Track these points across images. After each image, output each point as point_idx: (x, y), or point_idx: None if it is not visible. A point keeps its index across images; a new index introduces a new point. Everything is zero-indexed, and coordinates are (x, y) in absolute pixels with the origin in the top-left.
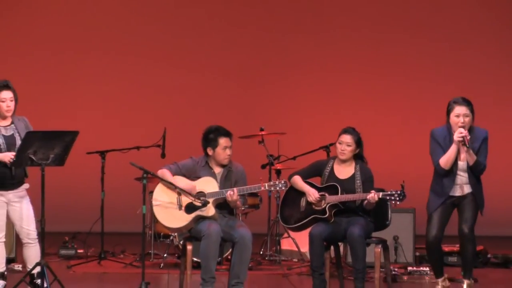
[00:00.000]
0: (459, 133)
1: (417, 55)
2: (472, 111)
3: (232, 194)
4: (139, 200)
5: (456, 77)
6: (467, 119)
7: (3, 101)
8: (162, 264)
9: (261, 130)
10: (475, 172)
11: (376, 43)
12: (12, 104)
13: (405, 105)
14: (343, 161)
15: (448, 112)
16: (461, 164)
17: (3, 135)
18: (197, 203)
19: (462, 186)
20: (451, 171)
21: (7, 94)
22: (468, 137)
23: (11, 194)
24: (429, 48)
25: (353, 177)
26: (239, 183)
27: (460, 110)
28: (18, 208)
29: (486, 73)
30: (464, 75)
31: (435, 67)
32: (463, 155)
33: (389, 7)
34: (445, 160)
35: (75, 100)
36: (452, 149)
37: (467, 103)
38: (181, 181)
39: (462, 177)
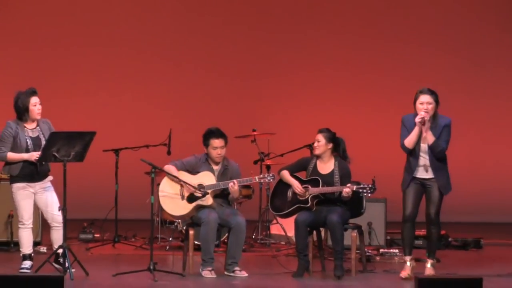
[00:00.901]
0: (419, 116)
1: (396, 58)
2: (435, 100)
3: (233, 185)
4: (148, 191)
5: (429, 77)
6: (430, 106)
7: (34, 105)
8: (167, 247)
9: (254, 130)
10: (434, 153)
11: (360, 47)
12: (40, 108)
13: (382, 105)
14: (323, 158)
15: (415, 101)
16: (423, 146)
17: (30, 137)
18: (198, 194)
19: (426, 167)
20: (415, 152)
21: (36, 99)
22: (426, 118)
23: (37, 186)
24: (407, 51)
25: (332, 172)
26: (234, 178)
27: (423, 98)
28: (44, 196)
29: (456, 72)
30: (436, 74)
31: (412, 69)
32: (422, 138)
33: (371, 12)
34: (407, 140)
35: (93, 103)
36: (414, 131)
37: (431, 92)
38: (184, 175)
39: (424, 159)
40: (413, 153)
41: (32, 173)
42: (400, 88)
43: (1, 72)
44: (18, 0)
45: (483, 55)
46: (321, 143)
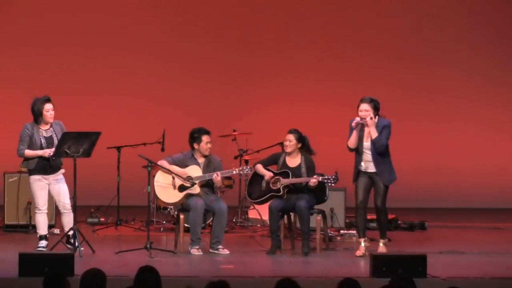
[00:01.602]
0: (355, 121)
1: (361, 63)
2: (373, 107)
3: (217, 176)
4: (145, 182)
5: (385, 80)
6: (367, 114)
7: (47, 111)
8: (162, 229)
9: (234, 131)
10: (376, 147)
11: (329, 49)
12: (53, 113)
13: (344, 107)
14: (292, 154)
15: (357, 107)
16: (366, 144)
17: (44, 137)
18: (187, 184)
19: (367, 162)
20: (359, 150)
21: (50, 106)
22: (362, 121)
23: (51, 178)
24: (369, 57)
25: (299, 165)
26: (217, 170)
27: (362, 106)
28: (57, 187)
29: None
30: (391, 77)
31: (373, 74)
32: (366, 134)
33: (343, 19)
34: (349, 141)
35: (98, 106)
36: (353, 134)
37: (370, 101)
38: (175, 169)
39: (367, 155)
40: (357, 151)
41: (45, 167)
42: (360, 91)
43: (12, 73)
44: (22, 3)
45: (428, 56)
46: (292, 143)
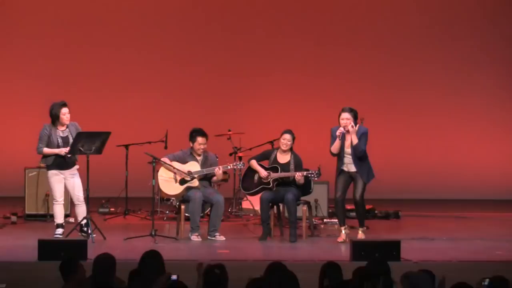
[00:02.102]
0: (338, 131)
1: (350, 66)
2: (353, 116)
3: (218, 170)
4: (150, 176)
5: (369, 82)
6: (348, 122)
7: (63, 115)
8: (165, 218)
9: (229, 130)
10: (356, 152)
11: (316, 55)
12: (69, 116)
13: (328, 108)
14: (284, 151)
15: (339, 116)
16: (347, 150)
17: (61, 136)
18: (187, 178)
19: (348, 165)
20: (341, 155)
21: (66, 110)
22: (344, 131)
23: (66, 172)
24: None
25: (289, 162)
26: (213, 166)
27: (344, 115)
28: (72, 181)
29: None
30: (373, 77)
31: (359, 79)
32: (347, 143)
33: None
34: (332, 148)
35: (108, 108)
36: (337, 141)
37: (350, 110)
38: (176, 164)
39: (348, 158)
40: (339, 156)
41: (61, 163)
42: (343, 94)
43: (30, 79)
44: (31, 7)
45: (404, 57)
46: (290, 142)
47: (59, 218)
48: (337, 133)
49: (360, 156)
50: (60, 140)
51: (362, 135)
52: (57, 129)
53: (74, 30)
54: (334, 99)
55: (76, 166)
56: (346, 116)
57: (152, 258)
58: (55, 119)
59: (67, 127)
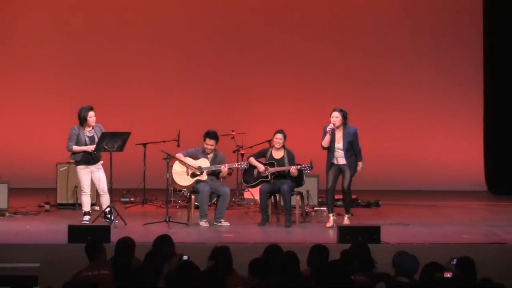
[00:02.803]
0: (329, 127)
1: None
2: (342, 115)
3: (224, 167)
4: (165, 170)
5: (356, 86)
6: (337, 120)
7: (90, 117)
8: (177, 206)
9: (232, 131)
10: (355, 151)
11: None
12: (94, 119)
13: (320, 108)
14: (278, 148)
15: (330, 114)
16: (337, 145)
17: (88, 136)
18: (197, 172)
19: (338, 158)
20: (331, 149)
21: (92, 113)
22: (334, 127)
23: (93, 167)
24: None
25: (283, 157)
26: (222, 163)
27: (334, 114)
28: (97, 175)
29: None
30: (360, 78)
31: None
32: (338, 139)
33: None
34: (324, 142)
35: (129, 111)
36: (327, 136)
37: (339, 110)
38: (189, 160)
39: (338, 152)
40: (330, 149)
41: (88, 159)
42: (332, 96)
43: (59, 85)
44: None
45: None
46: (281, 140)
47: (86, 206)
48: (328, 129)
49: (356, 152)
50: (87, 139)
51: (355, 136)
52: (84, 129)
53: (100, 37)
54: (323, 101)
55: (101, 162)
56: (335, 115)
57: (163, 241)
58: (83, 121)
59: (92, 128)
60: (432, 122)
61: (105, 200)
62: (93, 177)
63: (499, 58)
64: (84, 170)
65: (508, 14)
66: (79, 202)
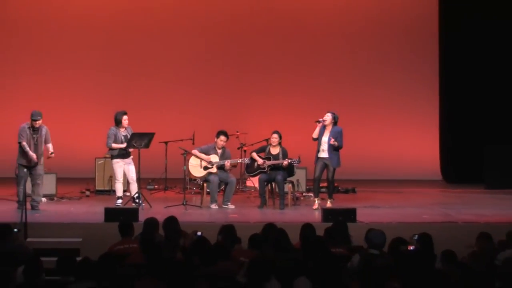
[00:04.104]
0: (318, 123)
1: (321, 79)
2: (333, 117)
3: (227, 163)
4: (183, 163)
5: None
6: (327, 119)
7: (124, 120)
8: (192, 192)
9: (237, 131)
10: (338, 147)
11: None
12: (127, 121)
13: (306, 115)
14: (274, 146)
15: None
16: (324, 138)
17: (123, 135)
18: (209, 165)
19: (322, 152)
20: (319, 141)
21: (126, 117)
22: (323, 123)
23: (125, 161)
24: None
25: (278, 153)
26: (228, 158)
27: (326, 114)
28: (128, 167)
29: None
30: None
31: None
32: (324, 134)
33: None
34: (314, 133)
35: (154, 117)
36: (317, 129)
37: (332, 113)
38: (202, 156)
39: (323, 145)
40: (318, 143)
41: (122, 154)
42: (317, 102)
43: (95, 93)
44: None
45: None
46: (277, 139)
47: (119, 192)
48: (318, 121)
49: (336, 148)
50: (122, 138)
51: (338, 134)
52: (120, 130)
53: (130, 45)
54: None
55: (131, 156)
56: (327, 115)
57: (170, 221)
58: (118, 123)
59: (125, 129)
60: (396, 121)
61: (134, 187)
62: (125, 169)
63: (453, 59)
64: (118, 163)
65: (463, 13)
66: (113, 189)
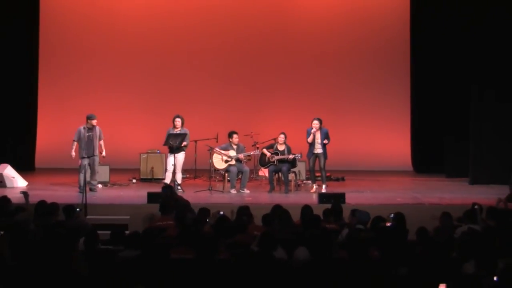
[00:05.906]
0: (312, 130)
1: (314, 86)
2: (319, 122)
3: (241, 156)
4: (208, 157)
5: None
6: (317, 125)
7: (176, 122)
8: (216, 180)
9: (251, 132)
10: (326, 143)
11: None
12: (179, 123)
13: (305, 119)
14: (281, 144)
15: (312, 122)
16: (317, 140)
17: (174, 133)
18: (228, 159)
19: (317, 149)
20: (313, 143)
21: (178, 119)
22: (315, 130)
23: (174, 154)
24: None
25: (284, 150)
26: (242, 151)
27: (314, 122)
28: (173, 158)
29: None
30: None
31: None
32: (317, 137)
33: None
34: (309, 139)
35: (186, 118)
36: (311, 136)
37: (317, 119)
38: (223, 151)
39: (317, 145)
40: (313, 143)
41: (172, 148)
42: (320, 107)
43: (150, 101)
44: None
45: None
46: (283, 139)
47: (167, 179)
48: (312, 131)
49: (324, 144)
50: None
51: (326, 134)
52: (174, 130)
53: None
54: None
55: (182, 152)
56: (315, 123)
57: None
58: (173, 124)
59: (179, 128)
60: (373, 117)
61: (179, 176)
62: (174, 161)
63: (423, 57)
64: (169, 156)
65: (432, 8)
66: (154, 177)
